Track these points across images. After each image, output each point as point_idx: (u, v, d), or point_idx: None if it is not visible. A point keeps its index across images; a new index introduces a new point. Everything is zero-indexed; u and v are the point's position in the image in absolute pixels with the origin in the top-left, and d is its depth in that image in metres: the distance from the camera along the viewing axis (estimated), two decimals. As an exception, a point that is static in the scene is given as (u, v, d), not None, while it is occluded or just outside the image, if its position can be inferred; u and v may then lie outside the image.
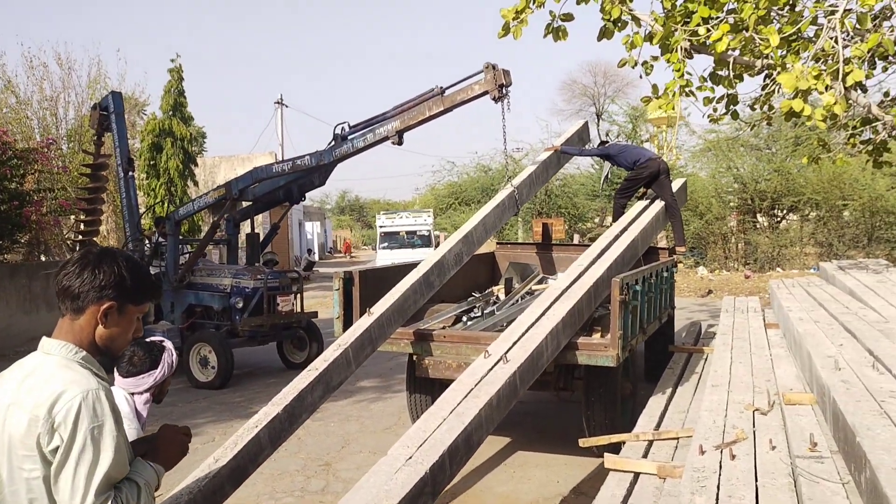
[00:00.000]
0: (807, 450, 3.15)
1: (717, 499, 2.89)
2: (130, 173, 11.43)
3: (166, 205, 18.27)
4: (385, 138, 7.58)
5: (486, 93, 6.93)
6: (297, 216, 36.09)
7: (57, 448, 1.78)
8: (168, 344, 3.15)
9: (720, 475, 3.14)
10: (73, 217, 16.28)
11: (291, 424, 4.34)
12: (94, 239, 13.14)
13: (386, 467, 3.53)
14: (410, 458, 3.59)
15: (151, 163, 19.84)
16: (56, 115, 19.44)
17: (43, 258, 15.45)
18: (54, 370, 1.88)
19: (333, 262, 44.73)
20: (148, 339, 3.12)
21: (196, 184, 21.31)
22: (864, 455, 2.46)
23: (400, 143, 7.53)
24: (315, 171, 9.11)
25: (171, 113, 20.25)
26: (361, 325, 5.31)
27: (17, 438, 1.82)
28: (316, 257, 41.50)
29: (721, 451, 3.44)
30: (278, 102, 33.76)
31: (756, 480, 3.05)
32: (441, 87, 7.24)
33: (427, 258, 6.48)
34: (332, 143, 8.27)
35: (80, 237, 12.86)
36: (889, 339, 4.40)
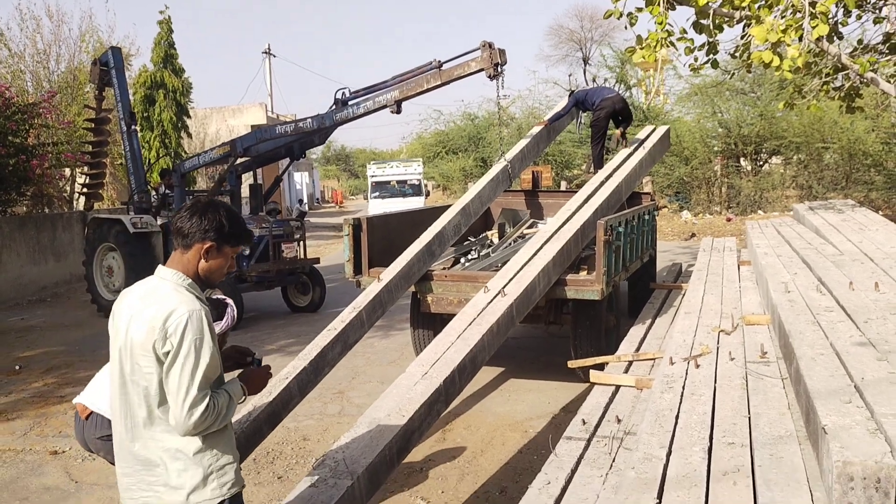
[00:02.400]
0: (758, 357, 3.79)
1: (682, 396, 3.53)
2: (133, 127, 11.84)
3: (159, 158, 18.69)
4: (384, 106, 8.11)
5: (481, 70, 7.42)
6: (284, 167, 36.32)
7: (168, 352, 2.33)
8: (231, 302, 3.73)
9: (686, 379, 3.78)
10: (68, 170, 16.66)
11: (316, 376, 4.90)
12: (100, 192, 13.60)
13: (406, 381, 4.16)
14: (426, 374, 4.23)
15: (145, 115, 20.09)
16: (48, 68, 19.60)
17: (46, 210, 15.85)
18: (168, 292, 2.43)
19: (323, 212, 45.14)
20: (214, 297, 3.72)
21: (189, 135, 21.61)
22: (793, 350, 3.09)
23: (398, 111, 8.06)
24: (316, 132, 9.62)
25: (161, 65, 20.43)
26: (373, 290, 5.88)
27: (137, 342, 2.37)
28: (306, 207, 41.85)
29: (688, 363, 4.08)
30: (266, 52, 33.73)
31: (715, 382, 3.68)
32: (439, 61, 7.74)
33: (429, 229, 6.98)
34: (333, 106, 8.77)
35: (86, 190, 13.29)
36: (838, 269, 5.03)
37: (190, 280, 2.48)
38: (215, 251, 2.50)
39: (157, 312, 2.35)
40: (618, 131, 9.59)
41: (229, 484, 2.45)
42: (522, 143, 9.24)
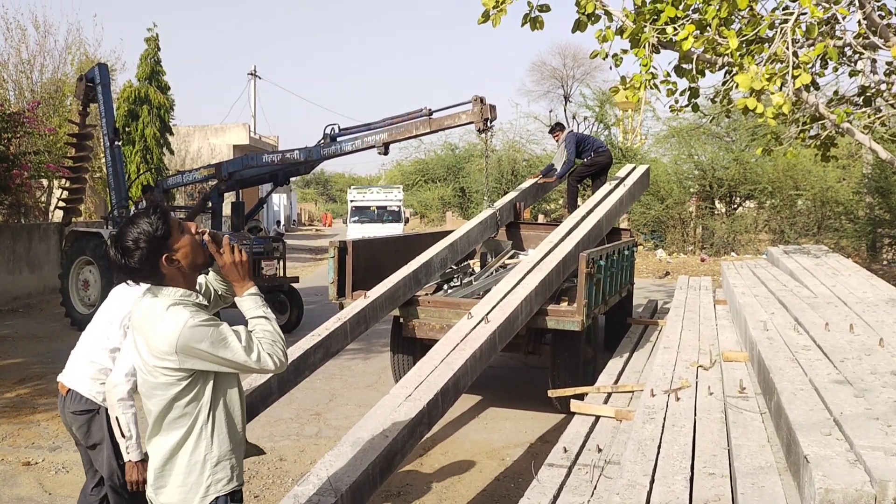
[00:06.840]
0: (736, 392, 3.88)
1: (663, 427, 3.60)
2: (116, 143, 11.82)
3: (140, 173, 18.61)
4: (371, 147, 8.28)
5: (471, 122, 7.60)
6: (265, 188, 36.24)
7: (189, 370, 2.31)
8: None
9: (666, 411, 3.86)
10: (45, 181, 16.50)
11: (296, 377, 4.89)
12: (78, 207, 13.49)
13: (389, 402, 4.18)
14: (410, 395, 4.25)
15: (126, 130, 19.99)
16: (31, 78, 19.45)
17: (23, 221, 15.67)
18: (160, 314, 2.32)
19: (300, 234, 45.01)
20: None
21: (171, 152, 21.54)
22: (773, 385, 3.19)
23: (385, 153, 8.25)
24: (302, 163, 9.77)
25: (147, 81, 20.41)
26: (358, 305, 5.89)
27: (150, 362, 2.34)
28: (283, 229, 41.75)
29: (668, 395, 4.16)
30: (252, 74, 33.82)
31: (695, 415, 3.77)
32: (429, 109, 7.94)
33: (418, 258, 7.06)
34: (322, 141, 8.94)
35: (65, 204, 13.17)
36: (814, 311, 5.16)
37: (182, 290, 2.41)
38: (170, 255, 2.36)
39: (159, 343, 2.30)
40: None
41: (224, 480, 2.48)
42: (512, 194, 9.69)
